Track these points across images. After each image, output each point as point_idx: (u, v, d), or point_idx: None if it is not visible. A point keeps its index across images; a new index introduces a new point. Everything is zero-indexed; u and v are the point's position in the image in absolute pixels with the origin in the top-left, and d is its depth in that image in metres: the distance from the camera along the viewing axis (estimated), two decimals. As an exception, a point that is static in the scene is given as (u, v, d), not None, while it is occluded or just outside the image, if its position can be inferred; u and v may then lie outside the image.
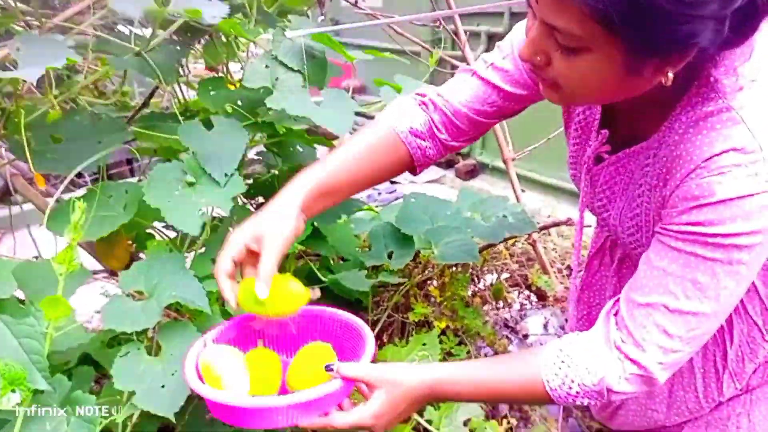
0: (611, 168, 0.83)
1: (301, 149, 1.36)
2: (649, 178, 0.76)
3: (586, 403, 0.76)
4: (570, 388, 0.74)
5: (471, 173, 4.16)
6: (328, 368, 0.77)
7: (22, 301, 0.89)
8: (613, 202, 0.85)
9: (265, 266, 0.76)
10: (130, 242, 1.14)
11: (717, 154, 0.64)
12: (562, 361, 0.75)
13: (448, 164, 4.31)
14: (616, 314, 0.74)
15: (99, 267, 1.31)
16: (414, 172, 0.96)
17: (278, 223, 0.80)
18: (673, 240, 0.68)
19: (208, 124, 1.06)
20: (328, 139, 1.38)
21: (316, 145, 1.39)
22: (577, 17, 0.58)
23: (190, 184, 0.98)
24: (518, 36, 0.89)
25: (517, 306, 1.93)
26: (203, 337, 0.84)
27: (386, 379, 0.77)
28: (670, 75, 0.62)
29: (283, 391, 0.84)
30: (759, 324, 0.84)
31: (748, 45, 0.63)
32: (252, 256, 0.79)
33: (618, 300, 0.75)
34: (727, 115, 0.65)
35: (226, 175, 0.99)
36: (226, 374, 0.76)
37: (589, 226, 1.05)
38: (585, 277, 1.11)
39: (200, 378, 0.77)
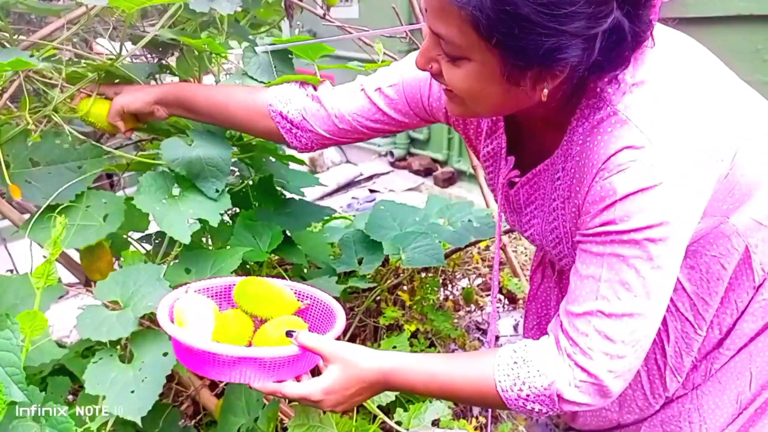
0: (524, 188, 0.87)
1: (273, 159, 1.41)
2: (561, 191, 0.80)
3: (536, 410, 0.75)
4: (521, 390, 0.74)
5: (449, 180, 4.22)
6: (289, 334, 0.78)
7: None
8: (533, 219, 0.89)
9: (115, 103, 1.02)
10: (112, 256, 1.16)
11: (613, 154, 0.67)
12: (515, 362, 0.75)
13: (427, 172, 4.37)
14: (561, 325, 0.75)
15: (74, 279, 1.33)
16: (297, 150, 1.06)
17: (137, 88, 1.05)
18: (593, 245, 0.71)
19: (174, 135, 1.10)
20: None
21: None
22: (456, 24, 0.63)
23: (175, 196, 1.02)
24: (407, 68, 0.94)
25: (488, 309, 1.98)
26: (187, 285, 0.89)
27: (342, 357, 0.77)
28: (545, 92, 0.67)
29: None
30: (690, 319, 0.88)
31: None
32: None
33: (558, 313, 0.77)
34: (615, 118, 0.69)
35: (217, 191, 1.04)
36: (194, 320, 0.80)
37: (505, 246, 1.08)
38: (530, 290, 1.15)
39: (171, 319, 0.81)
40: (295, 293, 0.92)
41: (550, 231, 0.85)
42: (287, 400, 1.08)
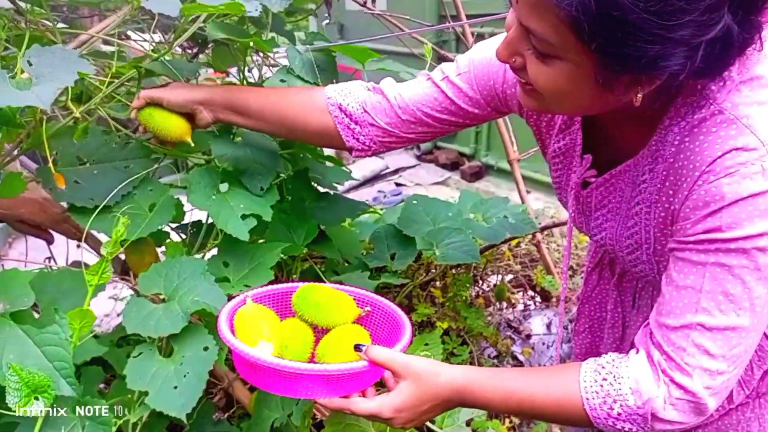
0: (600, 190, 0.82)
1: (310, 156, 1.40)
2: (648, 195, 0.74)
3: (626, 429, 0.71)
4: (611, 408, 0.70)
5: (476, 175, 4.18)
6: (357, 348, 0.75)
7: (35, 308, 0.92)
8: (607, 222, 0.84)
9: (152, 93, 0.97)
10: (155, 249, 1.16)
11: (719, 156, 0.63)
12: (604, 379, 0.71)
13: (454, 166, 4.34)
14: (652, 338, 0.71)
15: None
16: (351, 152, 0.98)
17: (182, 87, 1.00)
18: (694, 254, 0.66)
19: (223, 132, 1.09)
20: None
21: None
22: (552, 22, 0.58)
23: (222, 192, 1.01)
24: (477, 55, 0.89)
25: (521, 306, 1.95)
26: (245, 293, 0.87)
27: (415, 372, 0.74)
28: (639, 96, 0.63)
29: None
30: (766, 332, 0.82)
31: None
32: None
33: (648, 325, 0.73)
34: (720, 117, 0.64)
35: (262, 188, 1.03)
36: (256, 332, 0.79)
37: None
38: (584, 291, 1.09)
39: (232, 331, 0.79)
40: (355, 299, 0.90)
41: (628, 236, 0.80)
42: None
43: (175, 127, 0.99)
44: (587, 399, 0.71)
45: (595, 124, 0.82)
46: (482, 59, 0.88)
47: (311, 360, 0.84)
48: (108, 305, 1.86)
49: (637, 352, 0.73)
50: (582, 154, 0.83)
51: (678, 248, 0.69)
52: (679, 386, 0.68)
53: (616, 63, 0.59)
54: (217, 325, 0.78)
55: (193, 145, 1.04)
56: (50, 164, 0.88)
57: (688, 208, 0.66)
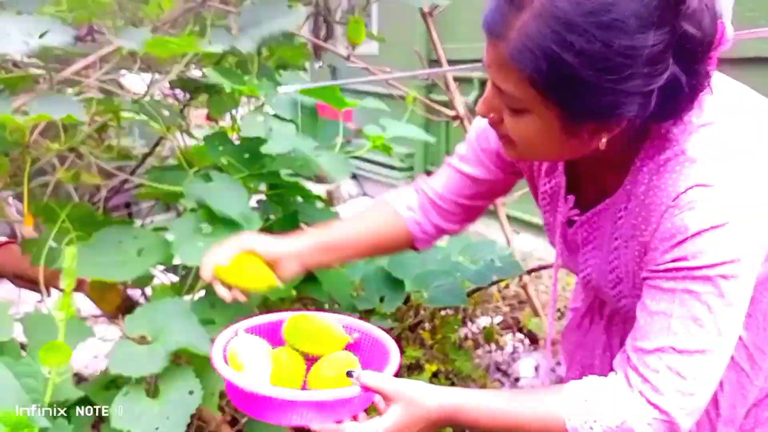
0: (583, 228, 0.87)
1: (300, 200, 1.43)
2: (624, 230, 0.80)
3: None
4: (591, 428, 0.73)
5: (466, 216, 4.21)
6: (350, 374, 0.77)
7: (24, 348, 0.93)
8: (591, 259, 0.88)
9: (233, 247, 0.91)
10: (121, 286, 1.18)
11: (683, 192, 0.69)
12: (585, 400, 0.74)
13: (444, 207, 4.37)
14: (629, 362, 0.75)
15: (99, 311, 1.34)
16: (415, 248, 1.04)
17: (286, 255, 0.94)
18: (664, 281, 0.71)
19: (207, 176, 1.13)
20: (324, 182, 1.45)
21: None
22: (515, 81, 0.66)
23: (207, 234, 1.03)
24: (477, 123, 0.97)
25: (509, 348, 1.95)
26: (236, 325, 0.88)
27: (405, 396, 0.76)
28: (604, 140, 0.69)
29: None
30: (746, 370, 0.86)
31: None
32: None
33: (626, 350, 0.76)
34: (683, 157, 0.70)
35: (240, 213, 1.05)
36: (249, 363, 0.80)
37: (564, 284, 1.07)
38: (577, 337, 1.12)
39: (226, 362, 0.81)
40: (343, 326, 0.91)
41: (610, 271, 0.85)
42: None
43: (259, 279, 0.92)
44: (569, 419, 0.74)
45: (577, 167, 0.87)
46: (479, 123, 0.96)
47: (303, 388, 0.85)
48: (96, 346, 1.85)
49: (616, 374, 0.77)
50: (566, 195, 0.89)
51: (650, 277, 0.74)
52: (655, 406, 0.72)
53: (575, 113, 0.66)
54: (210, 357, 0.80)
55: (282, 286, 0.96)
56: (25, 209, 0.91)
57: (657, 239, 0.72)
